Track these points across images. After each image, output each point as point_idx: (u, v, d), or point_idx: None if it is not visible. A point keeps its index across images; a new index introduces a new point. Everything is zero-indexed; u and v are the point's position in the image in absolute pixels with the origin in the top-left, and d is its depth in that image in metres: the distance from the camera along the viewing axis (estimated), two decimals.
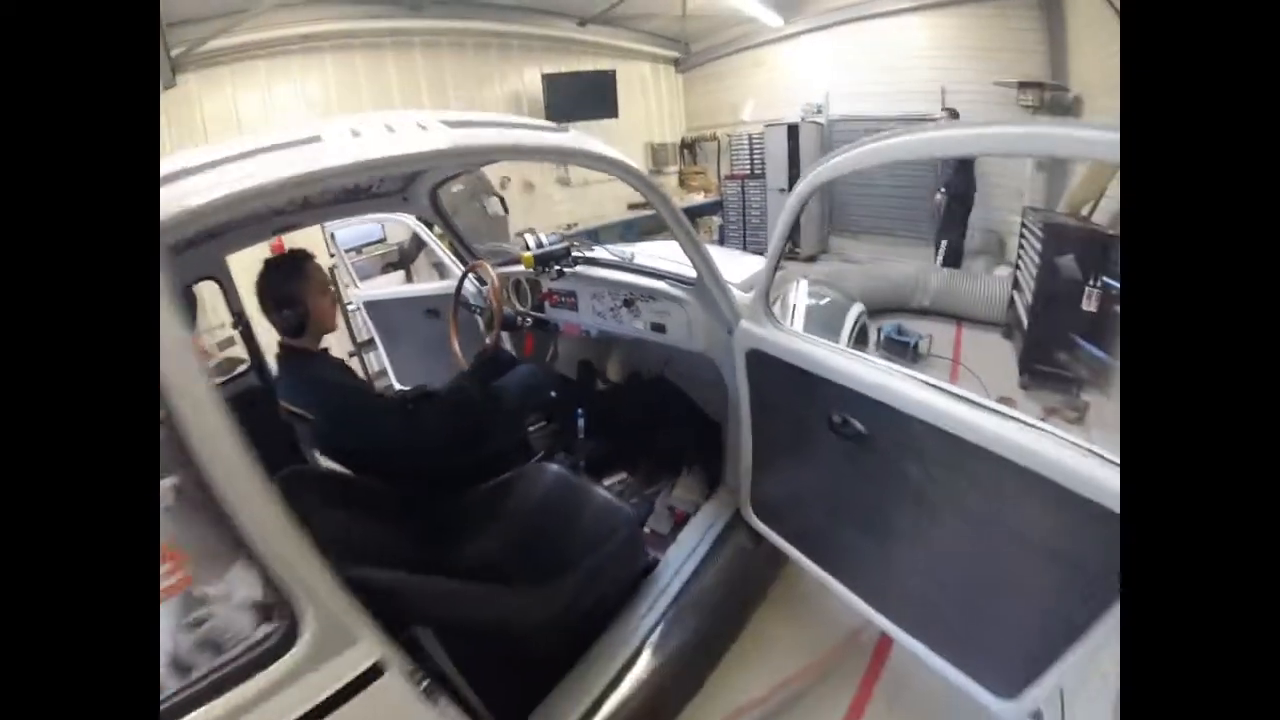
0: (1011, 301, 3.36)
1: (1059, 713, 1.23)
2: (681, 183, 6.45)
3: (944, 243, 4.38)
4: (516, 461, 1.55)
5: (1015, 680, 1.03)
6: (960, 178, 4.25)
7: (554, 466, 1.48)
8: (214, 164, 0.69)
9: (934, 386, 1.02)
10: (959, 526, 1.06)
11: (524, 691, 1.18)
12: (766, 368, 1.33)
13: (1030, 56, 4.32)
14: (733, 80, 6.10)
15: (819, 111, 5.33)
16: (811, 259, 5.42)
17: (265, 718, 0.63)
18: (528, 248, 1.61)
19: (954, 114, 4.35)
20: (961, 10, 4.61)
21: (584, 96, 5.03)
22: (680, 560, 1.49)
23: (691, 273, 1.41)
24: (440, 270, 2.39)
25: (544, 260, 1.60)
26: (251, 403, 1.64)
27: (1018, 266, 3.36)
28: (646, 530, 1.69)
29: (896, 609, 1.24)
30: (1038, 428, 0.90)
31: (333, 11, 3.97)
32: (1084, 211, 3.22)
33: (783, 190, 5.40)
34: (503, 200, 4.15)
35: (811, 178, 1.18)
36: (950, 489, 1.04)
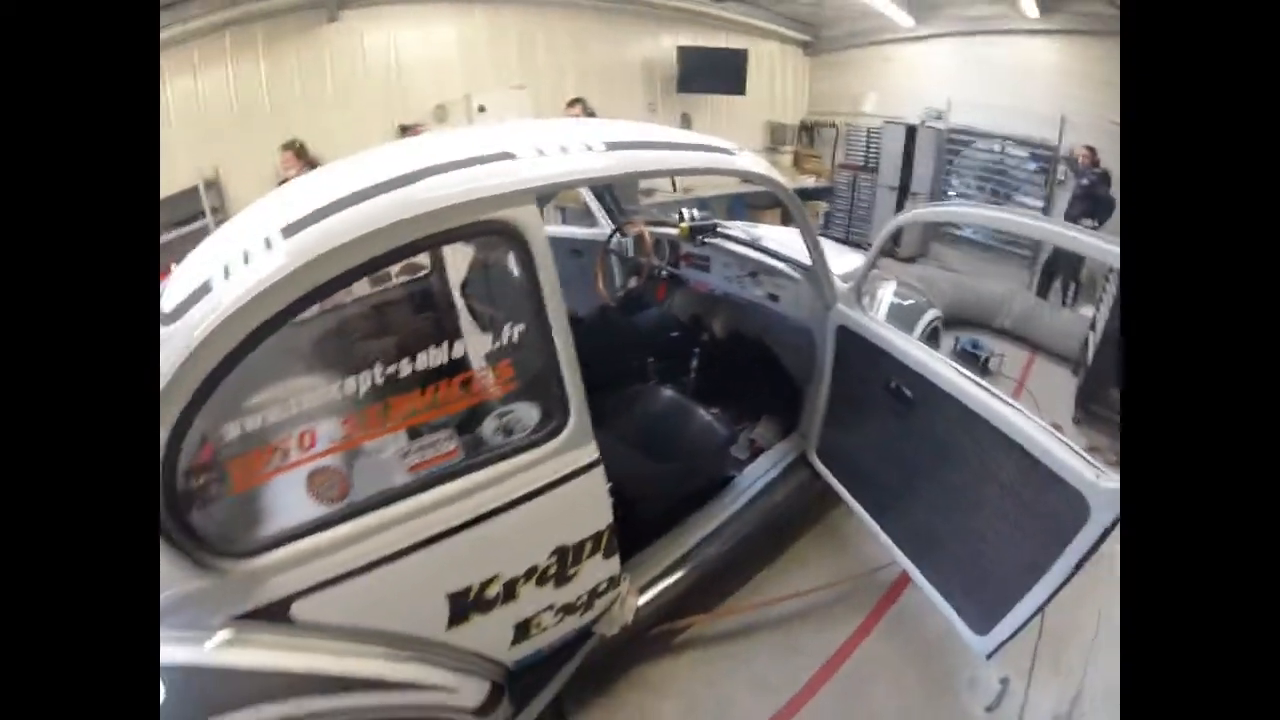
0: (1085, 341, 3.48)
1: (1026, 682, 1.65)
2: (796, 164, 6.57)
3: (1050, 271, 4.41)
4: (640, 380, 2.05)
5: (986, 617, 1.38)
6: (1087, 202, 4.21)
7: (669, 390, 1.97)
8: (452, 166, 1.01)
9: (962, 373, 1.40)
10: (964, 479, 1.42)
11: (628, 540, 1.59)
12: (850, 342, 1.75)
13: None
14: (858, 72, 6.18)
15: (938, 117, 5.37)
16: (910, 260, 5.53)
17: (540, 475, 1.14)
18: (682, 219, 2.09)
19: (1094, 158, 4.28)
20: (1091, 40, 4.52)
21: (715, 71, 5.35)
22: (752, 479, 1.95)
23: (806, 260, 1.83)
24: (590, 219, 2.85)
25: (696, 231, 2.08)
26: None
27: (1097, 308, 3.48)
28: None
29: (910, 545, 1.63)
30: (1027, 416, 1.26)
31: None
32: None
33: (892, 189, 5.53)
34: None
35: (912, 215, 1.59)
36: (962, 448, 1.41)
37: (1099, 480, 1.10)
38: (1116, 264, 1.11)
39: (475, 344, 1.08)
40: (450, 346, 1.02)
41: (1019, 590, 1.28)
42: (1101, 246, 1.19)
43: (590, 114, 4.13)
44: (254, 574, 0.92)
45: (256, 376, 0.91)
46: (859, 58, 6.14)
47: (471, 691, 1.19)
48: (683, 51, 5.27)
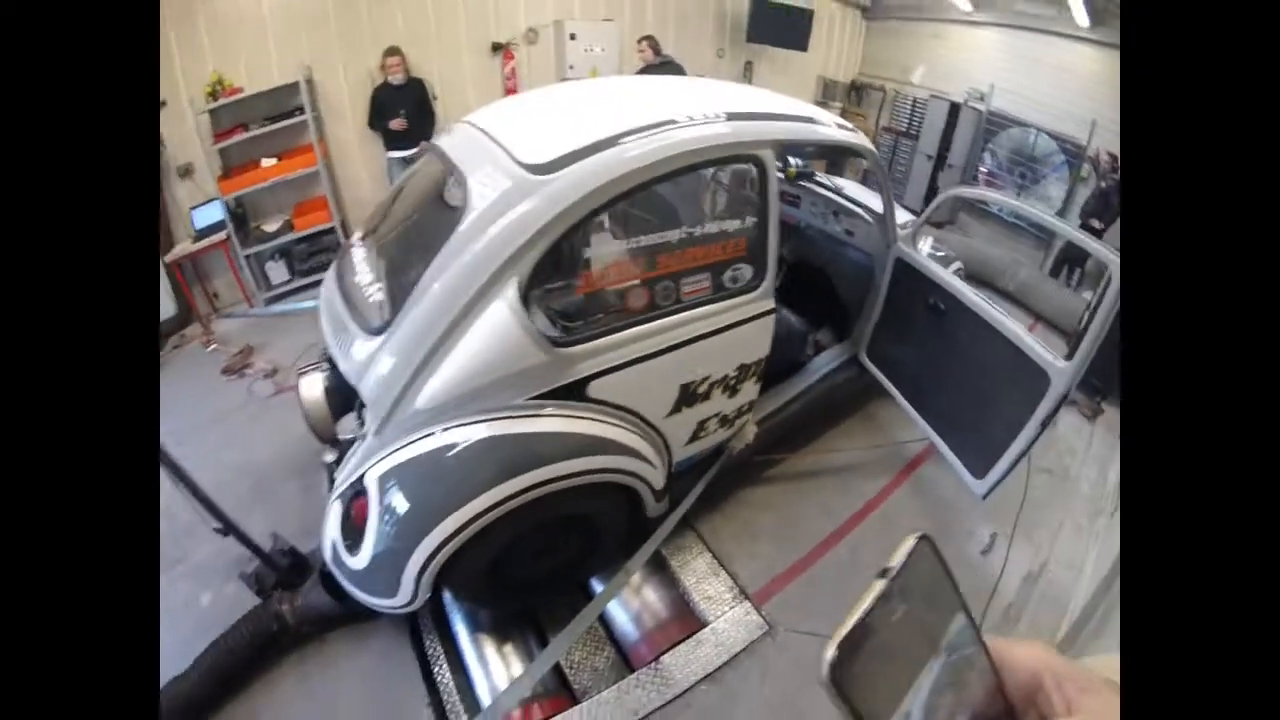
0: (1082, 317, 4.18)
1: (1008, 540, 2.41)
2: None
3: (1063, 256, 5.08)
4: None
5: (983, 465, 2.04)
6: (1100, 204, 4.83)
7: None
8: (635, 132, 1.59)
9: (981, 295, 2.11)
10: (972, 366, 2.10)
11: None
12: (904, 271, 2.45)
13: None
14: (910, 43, 6.64)
15: (981, 99, 5.93)
16: (939, 225, 6.04)
17: (743, 312, 1.85)
18: (788, 165, 2.78)
19: (1115, 164, 4.82)
20: None
21: (782, 27, 5.81)
22: (819, 366, 2.72)
23: (877, 209, 2.55)
24: None
25: (800, 175, 2.78)
26: None
27: (1097, 293, 4.20)
28: None
29: (932, 416, 2.37)
30: (1016, 322, 1.96)
31: None
32: None
33: (930, 157, 6.16)
34: None
35: (964, 191, 2.38)
36: (974, 346, 2.06)
37: (1056, 362, 1.81)
38: (1113, 268, 1.77)
39: (729, 226, 1.82)
40: (716, 223, 1.75)
41: (1005, 442, 1.97)
42: (1100, 250, 1.86)
43: (657, 51, 4.67)
44: (576, 359, 1.62)
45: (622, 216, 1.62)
46: (913, 29, 6.58)
47: (659, 476, 1.92)
48: (756, 5, 5.70)
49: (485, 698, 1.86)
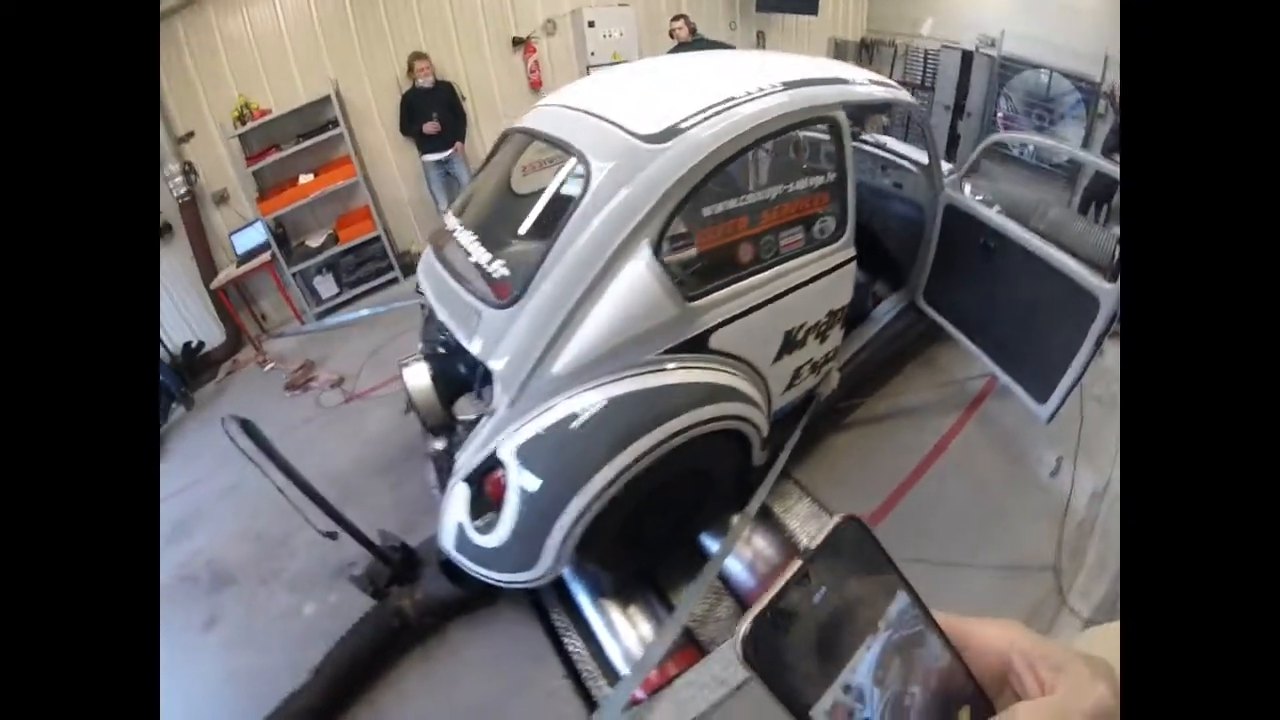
0: (1113, 253, 4.28)
1: (1073, 463, 2.53)
2: None
3: (1088, 197, 5.14)
4: None
5: (1045, 390, 2.13)
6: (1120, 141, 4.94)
7: None
8: (741, 101, 1.73)
9: (1026, 231, 2.23)
10: (1026, 298, 2.18)
11: None
12: (953, 215, 2.54)
13: None
14: None
15: (992, 45, 5.96)
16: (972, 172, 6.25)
17: (830, 261, 2.00)
18: None
19: None
20: None
21: None
22: (881, 314, 2.82)
23: (922, 160, 2.65)
24: None
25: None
26: None
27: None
28: None
29: (992, 350, 2.46)
30: (1063, 251, 2.04)
31: None
32: None
33: (947, 108, 6.22)
34: None
35: (1003, 136, 2.58)
36: (1025, 279, 2.15)
37: (1103, 284, 1.91)
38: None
39: (813, 181, 1.96)
40: (801, 181, 1.90)
41: (1063, 366, 2.06)
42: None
43: (693, 28, 4.77)
44: (700, 311, 1.76)
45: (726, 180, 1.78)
46: None
47: (765, 422, 2.06)
48: None
49: (618, 661, 1.95)
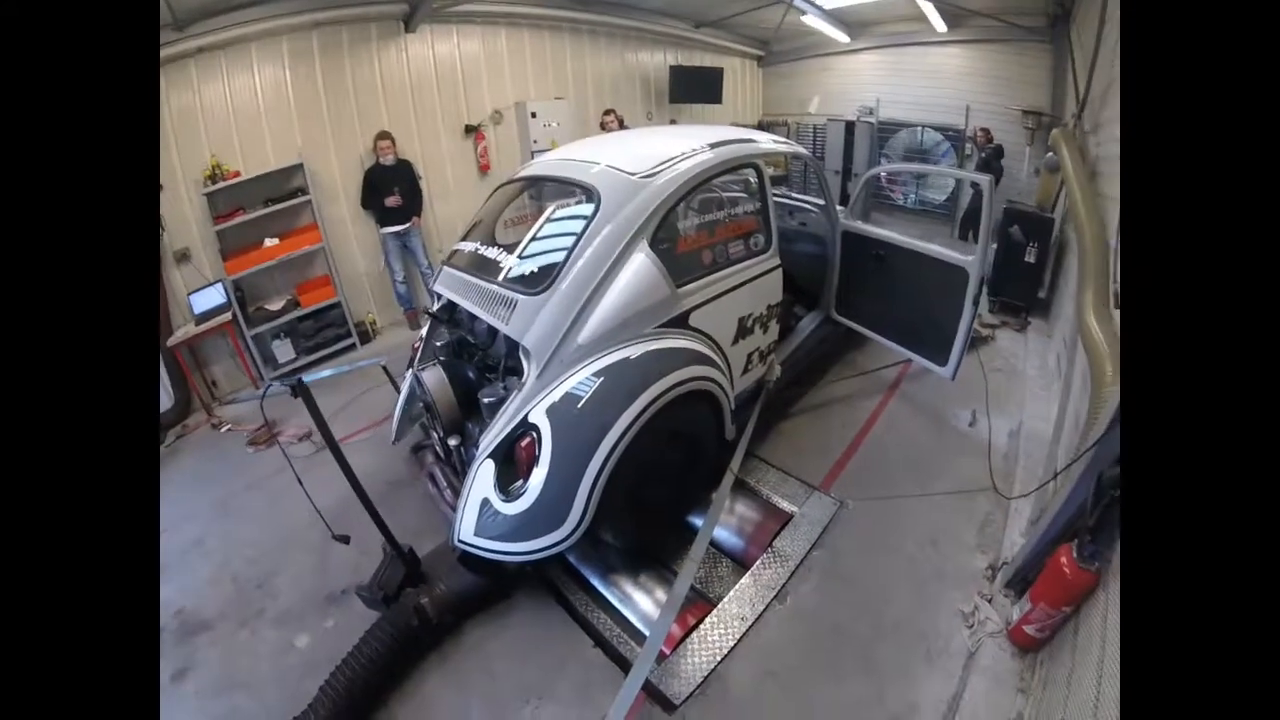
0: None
1: (986, 414, 3.30)
2: None
3: (964, 224, 6.36)
4: None
5: (944, 354, 2.96)
6: (983, 169, 5.97)
7: None
8: (679, 156, 2.48)
9: (907, 237, 3.06)
10: (915, 287, 3.00)
11: None
12: (850, 239, 3.36)
13: (1036, 89, 6.25)
14: (803, 79, 8.23)
15: (870, 113, 7.39)
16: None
17: (763, 266, 2.76)
18: None
19: (989, 136, 6.25)
20: (988, 46, 6.63)
21: (698, 86, 7.17)
22: (804, 326, 3.58)
23: (819, 202, 3.51)
24: None
25: None
26: None
27: (991, 244, 5.41)
28: None
29: (895, 335, 3.23)
30: (938, 245, 2.92)
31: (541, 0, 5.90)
32: (1045, 205, 5.07)
33: (837, 172, 7.52)
34: None
35: (879, 170, 3.73)
36: (912, 272, 2.99)
37: (967, 257, 2.71)
38: (983, 183, 2.76)
39: (747, 208, 2.71)
40: (739, 208, 2.66)
41: (953, 328, 2.81)
42: (969, 175, 3.22)
43: (621, 120, 5.69)
44: (683, 295, 2.39)
45: (690, 206, 2.48)
46: (804, 68, 8.20)
47: (731, 395, 2.62)
48: (674, 70, 7.03)
49: (640, 625, 2.21)
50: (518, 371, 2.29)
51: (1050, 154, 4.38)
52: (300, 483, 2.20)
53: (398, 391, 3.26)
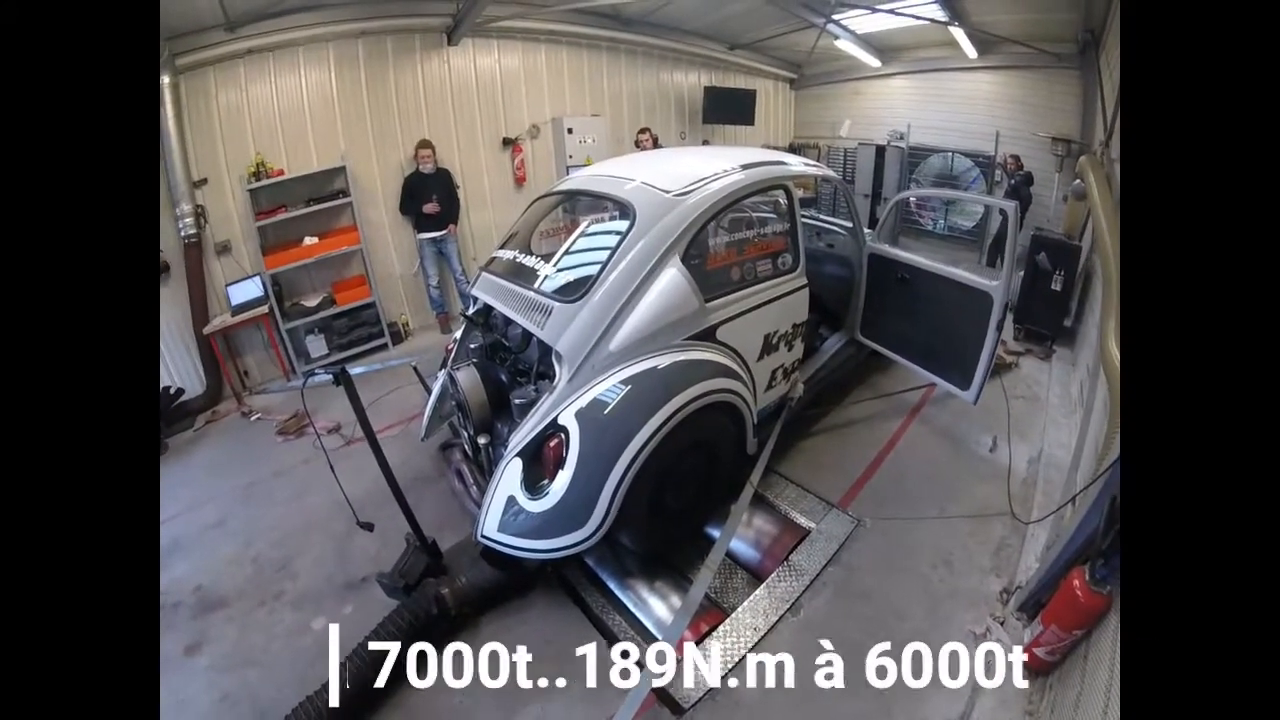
0: (1016, 290, 5.34)
1: (1007, 440, 3.33)
2: None
3: (993, 249, 6.38)
4: None
5: (967, 378, 3.02)
6: (1011, 196, 6.03)
7: None
8: (714, 176, 2.61)
9: (932, 261, 3.14)
10: (938, 310, 3.06)
11: None
12: (876, 262, 3.44)
13: (1066, 116, 6.24)
14: (835, 102, 8.35)
15: (901, 138, 7.48)
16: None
17: (790, 285, 2.86)
18: None
19: (1019, 164, 6.30)
20: (1018, 73, 6.66)
21: (731, 107, 7.34)
22: (829, 346, 3.65)
23: (848, 224, 3.60)
24: None
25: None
26: None
27: (1019, 270, 5.42)
28: None
29: (919, 358, 3.30)
30: (962, 269, 3.01)
31: (581, 19, 6.12)
32: (1073, 232, 5.06)
33: (866, 196, 7.58)
34: None
35: (906, 194, 3.88)
36: (936, 295, 3.07)
37: (992, 282, 2.78)
38: (1008, 209, 2.85)
39: (776, 228, 2.81)
40: (768, 228, 2.79)
41: (976, 353, 2.89)
42: (993, 200, 3.32)
43: (655, 138, 5.87)
44: (711, 309, 2.50)
45: (721, 224, 2.62)
46: (836, 91, 8.33)
47: (754, 409, 2.73)
48: (709, 91, 7.22)
49: (654, 628, 2.26)
50: (549, 375, 2.40)
51: (1078, 181, 4.39)
52: (332, 468, 2.31)
53: (428, 391, 3.40)
